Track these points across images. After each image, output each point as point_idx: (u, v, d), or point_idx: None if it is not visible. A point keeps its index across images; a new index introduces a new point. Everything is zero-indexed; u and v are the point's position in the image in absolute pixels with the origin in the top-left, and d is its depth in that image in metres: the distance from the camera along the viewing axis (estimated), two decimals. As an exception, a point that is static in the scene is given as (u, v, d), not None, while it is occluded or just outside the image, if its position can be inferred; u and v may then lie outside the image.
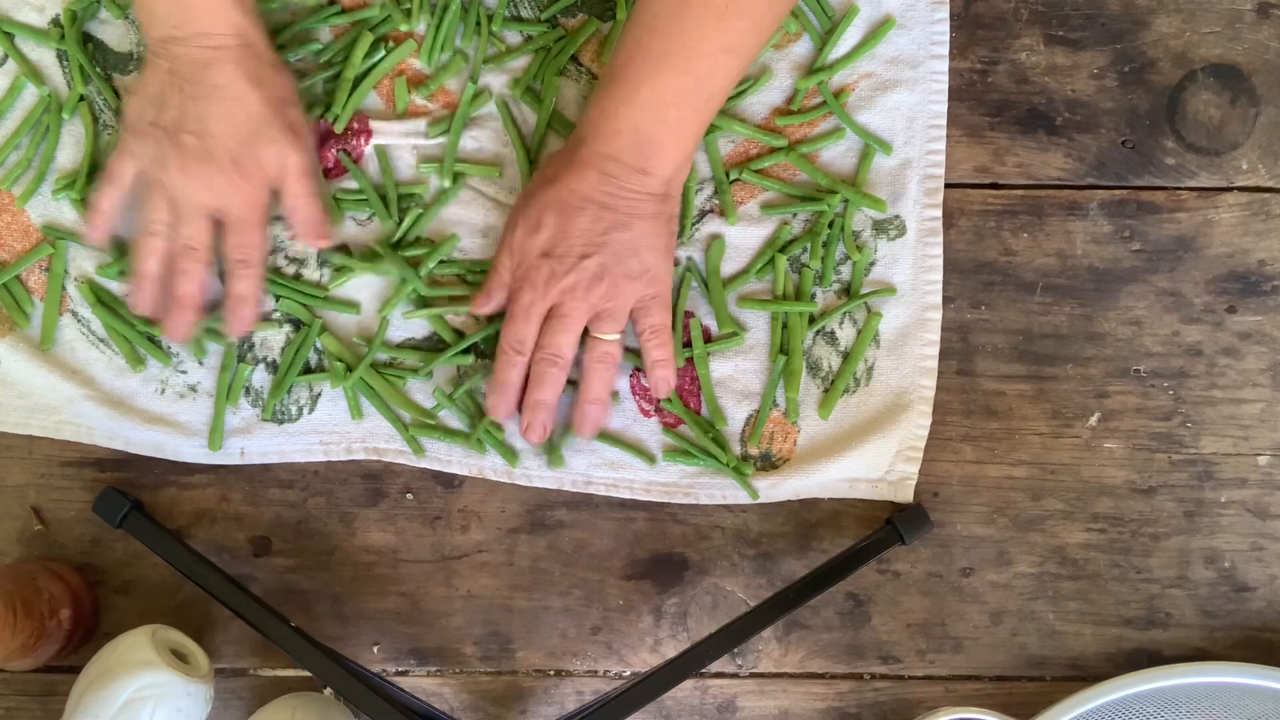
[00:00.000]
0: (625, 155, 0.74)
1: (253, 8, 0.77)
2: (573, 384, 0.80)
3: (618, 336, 0.77)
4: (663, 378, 0.79)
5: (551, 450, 0.80)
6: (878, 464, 0.80)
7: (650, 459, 0.81)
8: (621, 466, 0.81)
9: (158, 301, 0.78)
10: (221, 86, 0.75)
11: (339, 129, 0.82)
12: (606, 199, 0.74)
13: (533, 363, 0.77)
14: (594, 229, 0.74)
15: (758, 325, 0.82)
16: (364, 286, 0.81)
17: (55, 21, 0.83)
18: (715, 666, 0.77)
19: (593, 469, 0.81)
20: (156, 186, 0.76)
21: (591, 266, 0.75)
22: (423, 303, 0.81)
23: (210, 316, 0.80)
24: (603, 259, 0.75)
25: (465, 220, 0.82)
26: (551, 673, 0.81)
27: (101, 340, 0.81)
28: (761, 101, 0.83)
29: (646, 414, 0.81)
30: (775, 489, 0.80)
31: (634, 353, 0.81)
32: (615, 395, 0.81)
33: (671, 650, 0.80)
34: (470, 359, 0.81)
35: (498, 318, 0.80)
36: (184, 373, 0.81)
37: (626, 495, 0.81)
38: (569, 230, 0.75)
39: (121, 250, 0.81)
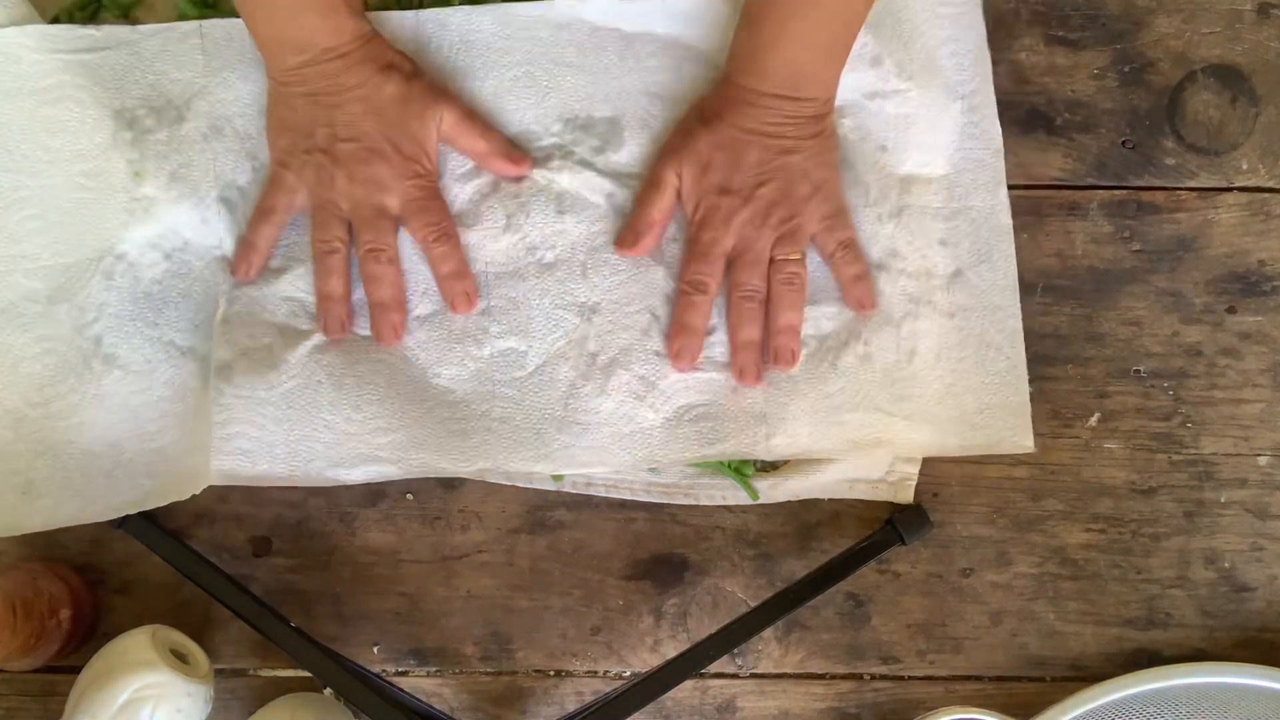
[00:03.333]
0: (781, 88, 0.75)
1: (361, 9, 0.77)
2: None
3: (801, 255, 0.77)
4: (865, 292, 0.78)
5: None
6: (878, 464, 0.80)
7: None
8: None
9: (345, 319, 0.78)
10: (358, 85, 0.76)
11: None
12: (771, 129, 0.76)
13: (731, 303, 0.77)
14: (764, 158, 0.76)
15: (758, 325, 0.82)
16: None
17: None
18: (715, 667, 0.77)
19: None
20: (325, 207, 0.77)
21: (768, 194, 0.76)
22: None
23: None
24: (778, 184, 0.76)
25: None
26: (551, 673, 0.81)
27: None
28: (761, 102, 0.83)
29: (646, 414, 0.81)
30: (775, 490, 0.80)
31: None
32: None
33: (671, 650, 0.80)
34: None
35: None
36: (184, 373, 0.81)
37: (626, 496, 0.81)
38: (741, 164, 0.76)
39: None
